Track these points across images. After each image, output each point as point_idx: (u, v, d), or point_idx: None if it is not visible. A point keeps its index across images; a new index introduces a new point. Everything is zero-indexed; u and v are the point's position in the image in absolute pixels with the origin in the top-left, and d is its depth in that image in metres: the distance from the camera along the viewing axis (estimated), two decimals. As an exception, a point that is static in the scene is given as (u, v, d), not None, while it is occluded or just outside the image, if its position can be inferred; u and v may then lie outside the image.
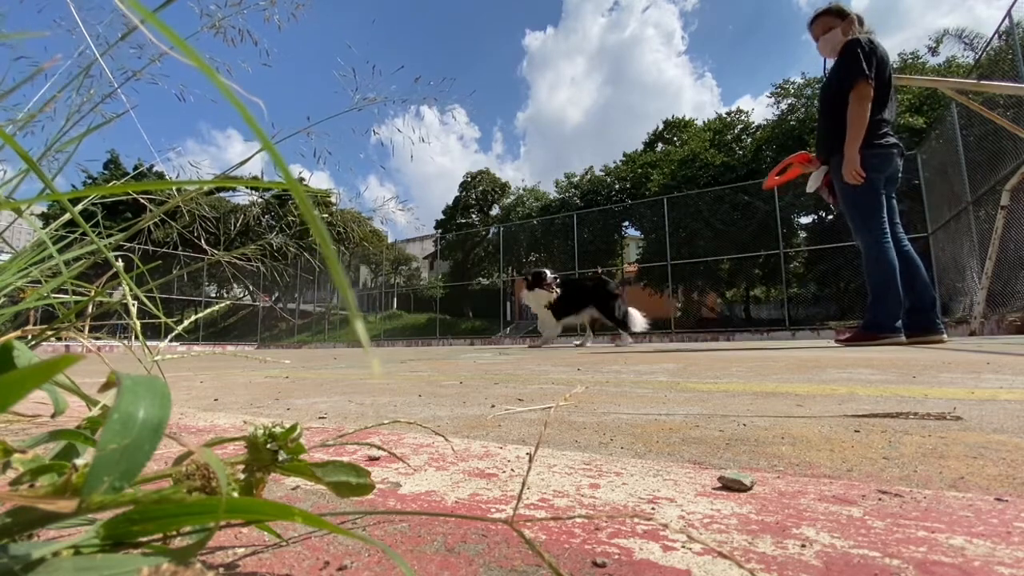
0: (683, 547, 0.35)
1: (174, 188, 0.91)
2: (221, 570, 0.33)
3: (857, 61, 3.17)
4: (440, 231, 28.58)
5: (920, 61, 16.87)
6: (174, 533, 0.30)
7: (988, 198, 7.01)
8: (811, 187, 3.66)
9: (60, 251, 0.67)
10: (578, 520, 0.41)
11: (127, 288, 0.62)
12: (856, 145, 3.22)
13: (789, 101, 18.72)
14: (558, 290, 5.99)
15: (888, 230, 3.24)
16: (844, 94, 3.26)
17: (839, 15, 3.46)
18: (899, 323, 3.23)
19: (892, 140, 3.30)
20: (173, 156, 1.12)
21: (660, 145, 24.28)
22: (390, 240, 29.25)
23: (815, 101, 17.65)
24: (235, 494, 0.32)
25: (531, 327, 23.27)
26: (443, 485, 0.53)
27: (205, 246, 1.12)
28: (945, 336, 3.27)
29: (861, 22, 3.41)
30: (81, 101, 0.77)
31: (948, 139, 8.67)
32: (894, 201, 3.42)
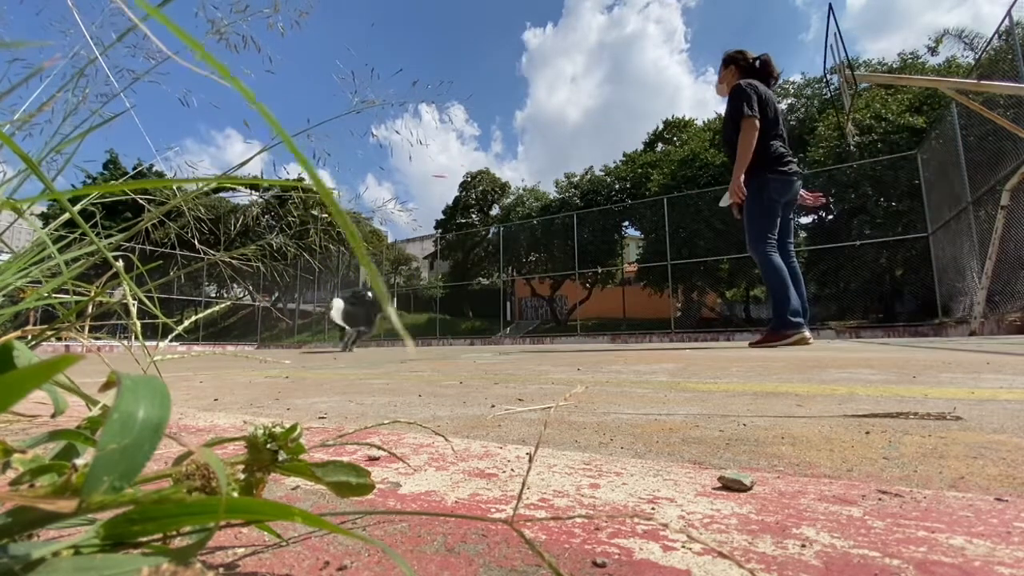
0: (683, 547, 0.35)
1: (174, 187, 0.91)
2: (221, 570, 0.33)
3: (741, 101, 3.70)
4: (440, 231, 28.55)
5: (920, 61, 16.83)
6: (174, 533, 0.30)
7: (988, 198, 7.01)
8: (723, 203, 4.15)
9: (60, 251, 0.67)
10: (578, 520, 0.41)
11: (127, 288, 0.62)
12: (741, 171, 3.73)
13: (789, 101, 18.71)
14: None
15: (775, 243, 3.82)
16: (735, 131, 3.79)
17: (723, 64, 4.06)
18: (801, 320, 3.65)
19: (793, 168, 3.80)
20: (172, 156, 1.12)
21: (660, 145, 24.27)
22: (390, 240, 29.24)
23: (815, 101, 17.68)
24: (235, 494, 0.32)
25: (531, 327, 23.27)
26: (443, 485, 0.53)
27: (200, 247, 1.12)
28: (811, 340, 3.74)
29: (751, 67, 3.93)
30: (79, 101, 0.76)
31: (948, 139, 8.66)
32: (792, 222, 4.05)
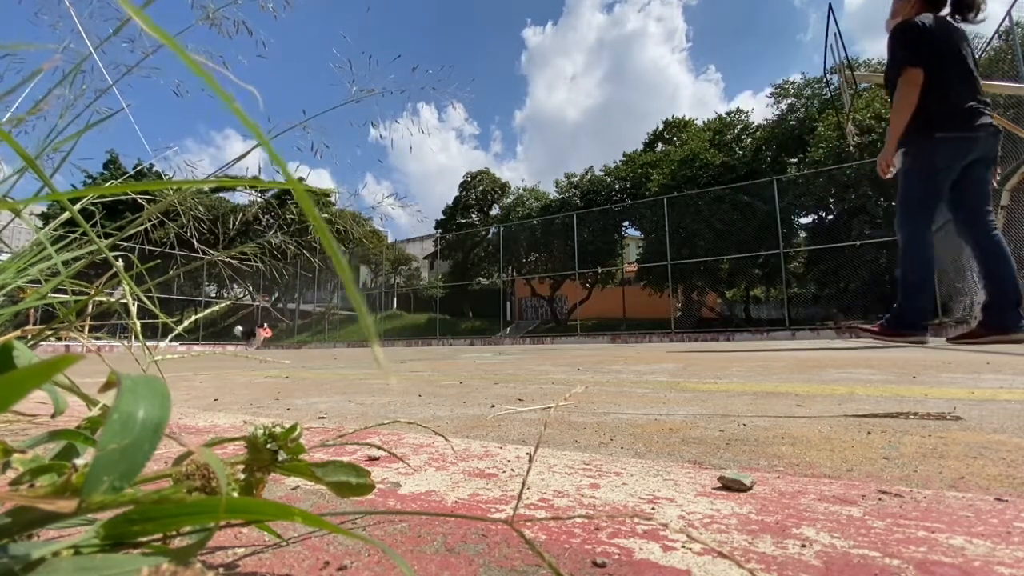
0: (683, 547, 0.35)
1: (171, 188, 0.91)
2: (221, 570, 0.33)
3: (900, 46, 3.05)
4: (440, 231, 28.55)
5: (920, 61, 16.79)
6: (174, 533, 0.30)
7: (988, 198, 7.00)
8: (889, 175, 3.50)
9: (59, 251, 0.67)
10: (578, 520, 0.41)
11: (127, 288, 0.62)
12: (895, 134, 3.06)
13: (789, 101, 18.72)
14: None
15: (928, 222, 3.07)
16: (895, 80, 3.11)
17: None
18: (926, 324, 3.08)
19: (981, 121, 2.99)
20: (171, 155, 1.12)
21: (660, 145, 24.27)
22: (390, 240, 29.27)
23: (815, 101, 17.67)
24: (235, 494, 0.31)
25: (531, 327, 23.26)
26: (443, 485, 0.53)
27: (199, 246, 1.12)
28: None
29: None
30: (75, 97, 0.76)
31: (948, 139, 8.64)
32: (987, 186, 3.15)
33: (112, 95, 0.83)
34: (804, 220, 16.95)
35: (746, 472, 0.53)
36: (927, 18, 3.05)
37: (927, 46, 2.98)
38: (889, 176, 3.22)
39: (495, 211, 28.60)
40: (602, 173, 23.07)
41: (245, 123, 0.17)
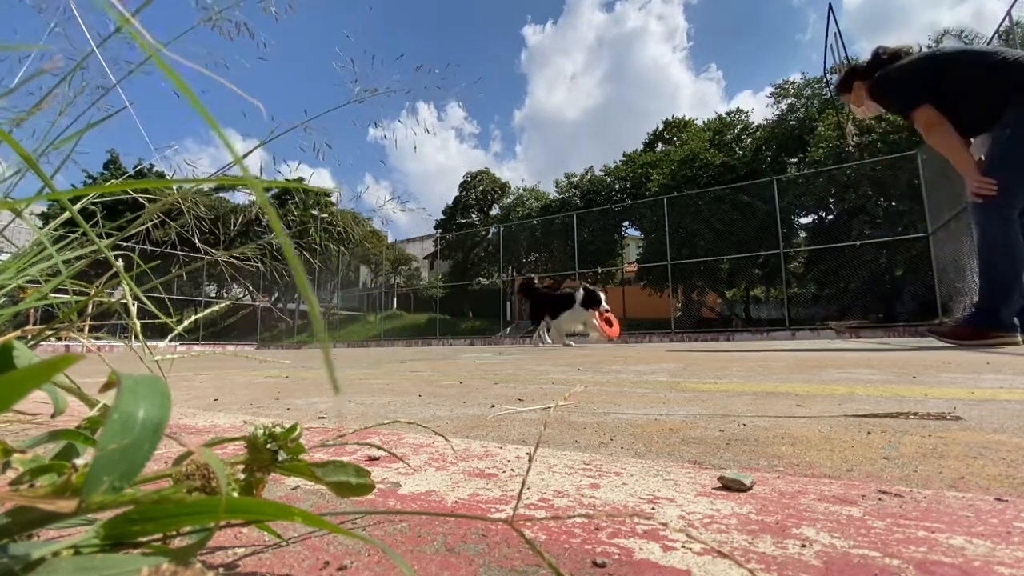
0: (683, 547, 0.35)
1: (172, 187, 0.91)
2: (221, 570, 0.33)
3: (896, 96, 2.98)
4: (440, 231, 28.57)
5: (920, 61, 16.78)
6: (174, 533, 0.30)
7: (988, 198, 6.99)
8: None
9: (59, 251, 0.67)
10: (578, 520, 0.41)
11: (127, 288, 0.62)
12: (967, 167, 2.85)
13: (789, 101, 18.74)
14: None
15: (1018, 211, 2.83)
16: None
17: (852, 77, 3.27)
18: (1017, 321, 2.81)
19: None
20: (171, 154, 1.12)
21: (660, 145, 24.29)
22: (390, 240, 29.27)
23: (815, 101, 17.67)
24: (235, 494, 0.32)
25: (531, 327, 23.30)
26: (443, 485, 0.53)
27: (200, 245, 1.12)
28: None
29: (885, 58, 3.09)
30: (75, 95, 0.76)
31: (948, 139, 8.63)
32: None
33: (112, 93, 0.83)
34: (804, 220, 16.94)
35: (746, 472, 0.53)
36: (888, 70, 2.98)
37: (922, 81, 2.87)
38: (991, 192, 2.84)
39: (495, 211, 28.61)
40: (602, 173, 23.09)
41: (220, 137, 0.17)
